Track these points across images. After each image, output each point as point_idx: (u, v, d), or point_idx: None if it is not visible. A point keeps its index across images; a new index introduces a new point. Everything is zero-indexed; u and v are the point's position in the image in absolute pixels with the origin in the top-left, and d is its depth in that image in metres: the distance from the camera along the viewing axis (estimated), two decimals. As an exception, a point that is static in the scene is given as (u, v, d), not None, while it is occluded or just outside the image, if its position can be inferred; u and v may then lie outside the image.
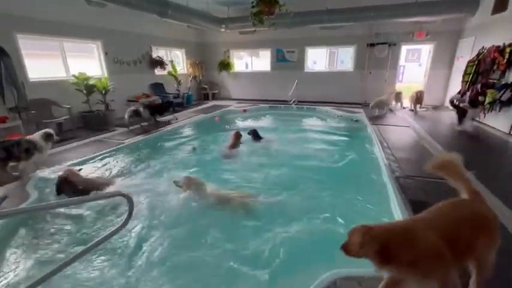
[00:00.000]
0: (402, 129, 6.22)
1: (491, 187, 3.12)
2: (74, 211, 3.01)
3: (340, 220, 2.84)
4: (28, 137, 3.62)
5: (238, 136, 5.30)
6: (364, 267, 1.95)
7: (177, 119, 7.48)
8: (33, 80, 5.89)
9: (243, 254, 2.40)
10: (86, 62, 7.37)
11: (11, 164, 3.49)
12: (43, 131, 3.77)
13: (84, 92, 6.60)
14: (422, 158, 4.31)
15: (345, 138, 5.95)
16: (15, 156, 3.40)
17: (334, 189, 3.52)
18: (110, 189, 3.29)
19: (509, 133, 5.45)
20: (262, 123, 7.87)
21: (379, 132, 5.80)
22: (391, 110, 8.32)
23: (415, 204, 2.76)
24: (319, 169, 4.21)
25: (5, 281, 2.10)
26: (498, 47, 5.90)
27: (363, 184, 3.62)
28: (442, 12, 7.58)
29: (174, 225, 2.80)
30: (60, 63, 6.65)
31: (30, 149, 3.48)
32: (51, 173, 3.75)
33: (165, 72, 9.67)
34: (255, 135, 5.61)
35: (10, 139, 3.52)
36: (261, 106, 9.72)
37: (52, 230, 2.73)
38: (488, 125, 6.17)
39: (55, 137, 3.88)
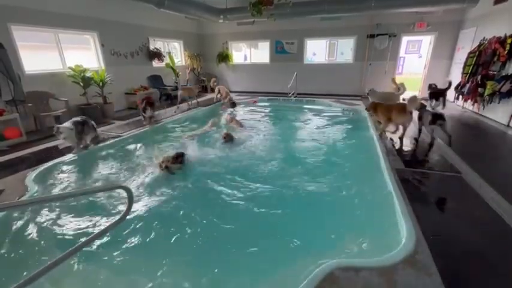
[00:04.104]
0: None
1: (490, 180, 3.14)
2: (74, 203, 3.03)
3: (336, 211, 2.87)
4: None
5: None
6: (361, 258, 1.99)
7: (175, 112, 7.47)
8: (29, 73, 5.81)
9: (238, 242, 2.43)
10: (82, 54, 7.26)
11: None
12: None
13: (81, 84, 6.54)
14: (421, 150, 4.33)
15: (345, 131, 5.94)
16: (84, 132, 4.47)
17: (333, 180, 3.54)
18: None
19: (508, 125, 5.46)
20: (261, 116, 7.84)
21: (378, 124, 5.79)
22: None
23: (413, 195, 2.79)
24: (317, 161, 4.23)
25: (3, 275, 2.11)
26: (499, 38, 5.84)
27: (362, 175, 3.63)
28: (444, 2, 7.44)
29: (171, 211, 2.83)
30: (56, 55, 6.55)
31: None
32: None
33: (162, 65, 9.56)
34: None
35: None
36: (260, 98, 9.67)
37: (51, 224, 2.75)
38: (488, 117, 6.16)
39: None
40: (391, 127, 5.12)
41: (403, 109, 4.63)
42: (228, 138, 5.08)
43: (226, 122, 6.53)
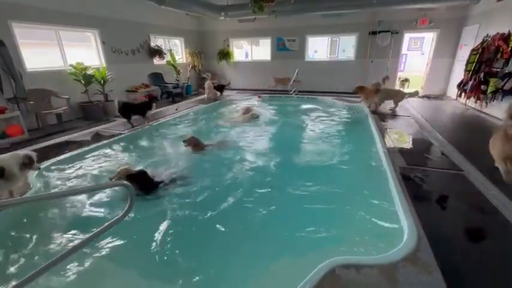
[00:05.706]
0: (403, 118, 6.18)
1: (493, 178, 3.12)
2: (76, 200, 3.04)
3: (337, 208, 2.86)
4: None
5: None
6: (363, 255, 1.99)
7: (177, 109, 7.47)
8: (31, 70, 5.81)
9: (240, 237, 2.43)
10: (83, 51, 7.25)
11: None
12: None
13: (83, 82, 6.54)
14: (423, 148, 4.31)
15: (346, 129, 5.93)
16: None
17: (334, 177, 3.53)
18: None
19: (511, 123, 5.42)
20: (262, 114, 7.82)
21: (380, 122, 5.78)
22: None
23: (414, 193, 2.79)
24: (318, 158, 4.23)
25: (4, 273, 2.12)
26: (503, 34, 5.78)
27: (364, 172, 3.62)
28: (447, -2, 7.39)
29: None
30: (57, 52, 6.53)
31: None
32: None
33: (163, 62, 9.54)
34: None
35: None
36: (261, 96, 9.63)
37: (53, 221, 2.76)
38: (490, 115, 6.12)
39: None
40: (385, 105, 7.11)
41: (377, 91, 7.01)
42: (189, 144, 4.11)
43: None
